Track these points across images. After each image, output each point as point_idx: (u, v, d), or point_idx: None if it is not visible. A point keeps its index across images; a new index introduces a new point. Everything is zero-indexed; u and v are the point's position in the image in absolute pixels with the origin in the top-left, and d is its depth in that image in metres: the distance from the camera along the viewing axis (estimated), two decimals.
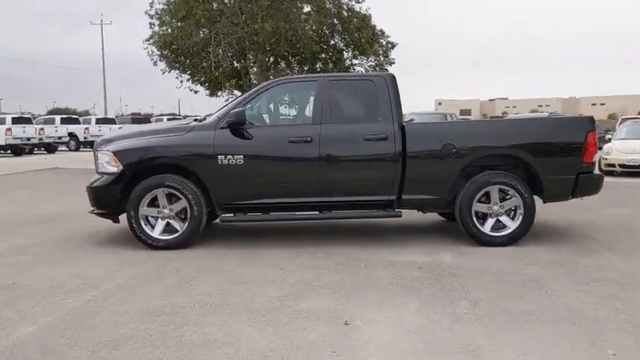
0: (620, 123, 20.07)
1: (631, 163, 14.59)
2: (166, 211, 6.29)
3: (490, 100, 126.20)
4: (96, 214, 6.55)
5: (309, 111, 6.55)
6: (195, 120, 6.82)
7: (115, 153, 6.30)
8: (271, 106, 7.08)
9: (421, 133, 6.48)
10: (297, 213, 6.48)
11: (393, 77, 6.50)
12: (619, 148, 15.10)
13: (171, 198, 6.30)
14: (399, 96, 6.39)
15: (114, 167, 6.30)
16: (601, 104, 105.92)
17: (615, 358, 3.27)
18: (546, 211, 7.61)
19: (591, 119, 6.42)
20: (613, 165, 14.67)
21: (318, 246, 6.31)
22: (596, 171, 6.68)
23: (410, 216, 7.31)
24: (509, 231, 6.22)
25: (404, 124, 6.36)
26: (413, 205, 6.53)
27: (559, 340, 3.56)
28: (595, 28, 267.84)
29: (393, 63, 21.24)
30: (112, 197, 6.32)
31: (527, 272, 5.17)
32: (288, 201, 6.34)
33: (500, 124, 7.08)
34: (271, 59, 19.75)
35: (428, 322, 3.92)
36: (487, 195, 6.28)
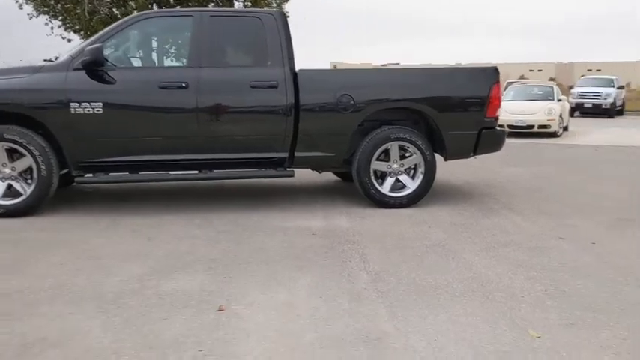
0: (507, 87, 20.59)
1: (519, 124, 15.03)
2: (7, 170, 5.19)
3: (383, 65, 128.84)
4: None
5: (184, 52, 5.53)
6: (46, 60, 5.60)
7: None
8: (138, 44, 5.93)
9: (316, 81, 5.72)
10: (171, 173, 5.50)
11: (283, 15, 5.69)
12: (507, 110, 15.36)
13: (12, 155, 5.18)
14: (290, 38, 5.57)
15: None
16: None
17: (540, 340, 2.75)
18: (444, 170, 7.22)
19: (495, 70, 5.96)
20: (502, 126, 14.78)
21: (197, 211, 5.43)
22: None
23: (303, 176, 6.62)
24: (409, 191, 5.72)
25: (296, 70, 5.56)
26: (307, 163, 5.82)
27: (474, 319, 3.00)
28: None
29: (288, 17, 20.20)
30: None
31: (431, 237, 4.65)
32: (160, 158, 5.37)
33: (402, 74, 6.44)
34: (154, 6, 17.97)
35: (322, 303, 3.22)
36: (386, 152, 5.70)
